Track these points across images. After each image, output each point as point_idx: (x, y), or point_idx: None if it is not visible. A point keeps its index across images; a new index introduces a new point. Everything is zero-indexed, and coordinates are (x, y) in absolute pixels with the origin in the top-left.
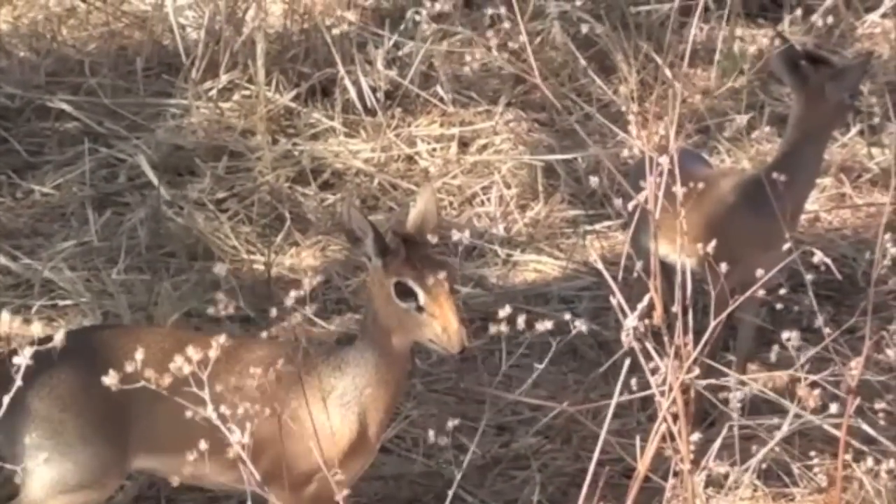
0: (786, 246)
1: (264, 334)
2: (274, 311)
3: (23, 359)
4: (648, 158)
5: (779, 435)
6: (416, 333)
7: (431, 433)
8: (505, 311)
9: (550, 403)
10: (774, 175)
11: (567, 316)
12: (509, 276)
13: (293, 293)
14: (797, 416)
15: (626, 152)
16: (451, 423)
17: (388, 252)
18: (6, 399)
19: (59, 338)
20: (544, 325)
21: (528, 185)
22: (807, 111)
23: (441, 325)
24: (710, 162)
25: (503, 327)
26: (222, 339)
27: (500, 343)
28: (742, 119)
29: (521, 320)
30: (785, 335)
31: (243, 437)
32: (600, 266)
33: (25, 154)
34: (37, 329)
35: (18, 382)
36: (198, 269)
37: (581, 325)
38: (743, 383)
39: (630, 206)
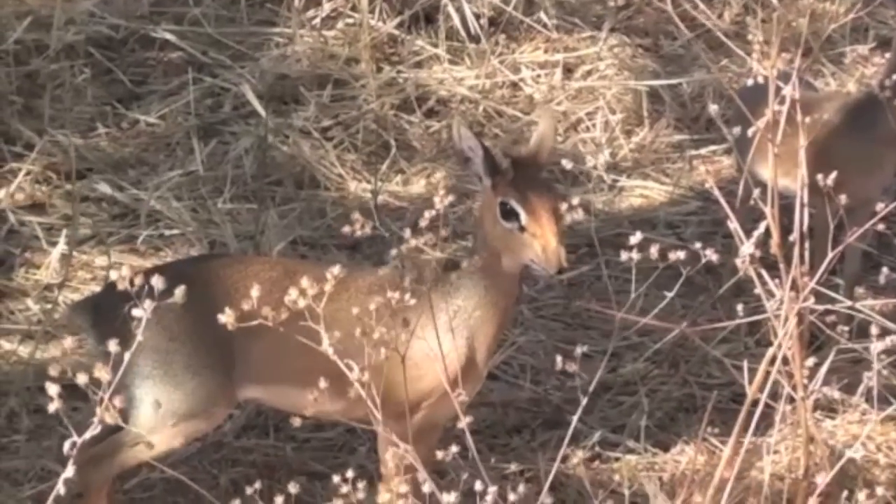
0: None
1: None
2: (408, 232)
3: (143, 311)
4: (763, 84)
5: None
6: (519, 254)
7: (559, 359)
8: (636, 238)
9: (660, 323)
10: (880, 97)
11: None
12: (615, 201)
13: (427, 214)
14: None
15: (728, 77)
16: (579, 349)
17: (497, 172)
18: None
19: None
20: (676, 255)
21: (633, 111)
22: None
23: (541, 244)
24: (815, 85)
25: (634, 254)
26: (336, 269)
27: (604, 268)
28: (847, 42)
29: (654, 249)
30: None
31: (356, 370)
32: (715, 191)
33: (130, 84)
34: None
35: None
36: (304, 197)
37: (711, 255)
38: (852, 308)
39: (736, 131)
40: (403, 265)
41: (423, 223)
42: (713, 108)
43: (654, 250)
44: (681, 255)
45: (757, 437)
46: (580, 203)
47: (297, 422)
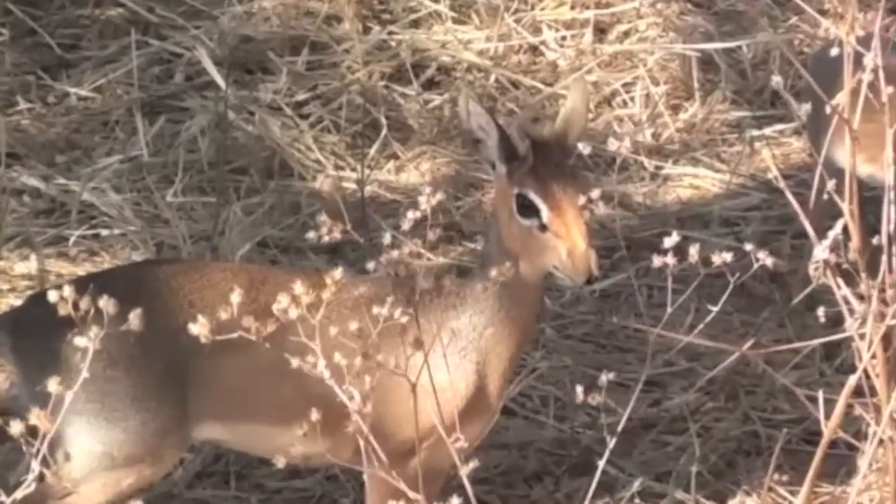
0: None
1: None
2: (388, 237)
3: (87, 339)
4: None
5: None
6: (540, 259)
7: (580, 390)
8: (672, 240)
9: (715, 344)
10: None
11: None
12: (659, 193)
13: (410, 215)
14: None
15: (798, 40)
16: (605, 377)
17: (514, 157)
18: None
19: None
20: (720, 257)
21: (681, 81)
22: None
23: (566, 247)
24: None
25: (670, 259)
26: (338, 273)
27: (647, 276)
28: None
29: (693, 251)
30: None
31: (356, 397)
32: (781, 181)
33: (59, 49)
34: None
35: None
36: (273, 188)
37: (765, 258)
38: None
39: (807, 108)
40: (398, 273)
41: (406, 225)
42: (778, 81)
43: (693, 251)
44: (727, 257)
45: (836, 485)
46: (615, 196)
47: (280, 462)
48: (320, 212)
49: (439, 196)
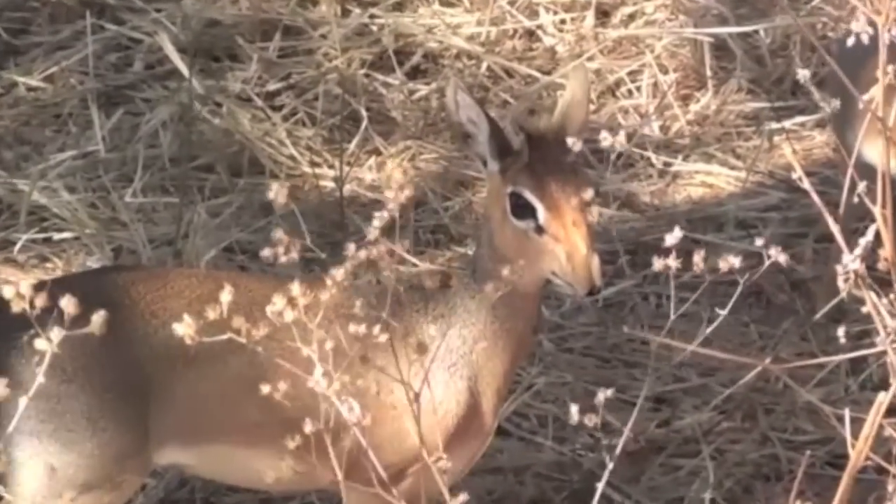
0: None
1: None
2: (351, 248)
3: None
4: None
5: None
6: (537, 265)
7: (575, 410)
8: (674, 237)
9: (731, 357)
10: None
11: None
12: (668, 192)
13: (378, 216)
14: None
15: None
16: (601, 395)
17: (508, 153)
18: None
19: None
20: (728, 262)
21: (692, 69)
22: None
23: (565, 251)
24: None
25: (672, 261)
26: (339, 273)
27: (654, 283)
28: None
29: (697, 258)
30: None
31: (356, 409)
32: (804, 180)
33: (5, 34)
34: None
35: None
36: (242, 188)
37: (776, 254)
38: None
39: (837, 103)
40: (379, 280)
41: (372, 233)
42: (804, 74)
43: (697, 259)
44: (735, 262)
45: None
46: (620, 195)
47: (270, 477)
48: (282, 217)
49: (407, 193)
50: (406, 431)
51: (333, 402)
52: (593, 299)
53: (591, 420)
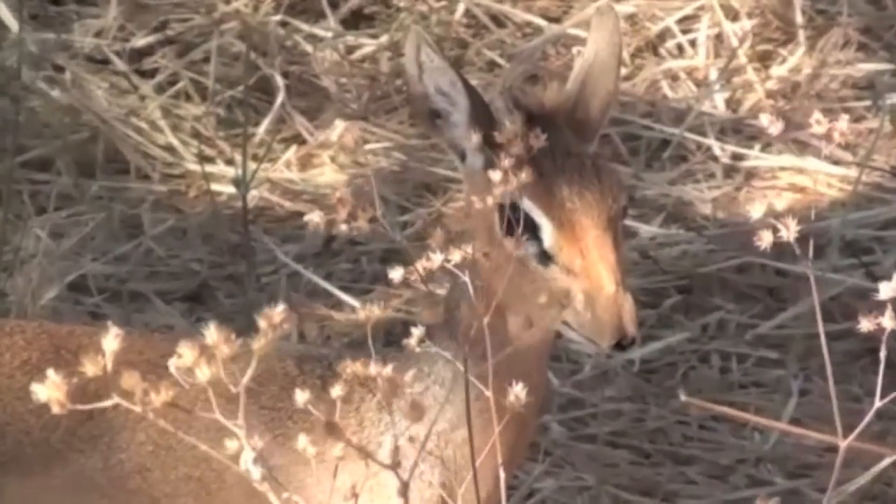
0: None
1: None
2: (282, 277)
3: None
4: None
5: None
6: (540, 308)
7: None
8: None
9: (816, 434)
10: None
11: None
12: (738, 198)
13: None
14: None
15: None
16: None
17: (496, 144)
18: None
19: None
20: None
21: (775, 14)
22: None
23: (583, 288)
24: None
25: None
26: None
27: (719, 336)
28: None
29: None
30: None
31: None
32: None
33: None
34: None
35: None
36: (97, 194)
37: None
38: None
39: None
40: (312, 336)
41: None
42: None
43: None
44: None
45: None
46: (666, 203)
47: None
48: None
49: (345, 188)
50: None
51: None
52: (625, 359)
53: None
